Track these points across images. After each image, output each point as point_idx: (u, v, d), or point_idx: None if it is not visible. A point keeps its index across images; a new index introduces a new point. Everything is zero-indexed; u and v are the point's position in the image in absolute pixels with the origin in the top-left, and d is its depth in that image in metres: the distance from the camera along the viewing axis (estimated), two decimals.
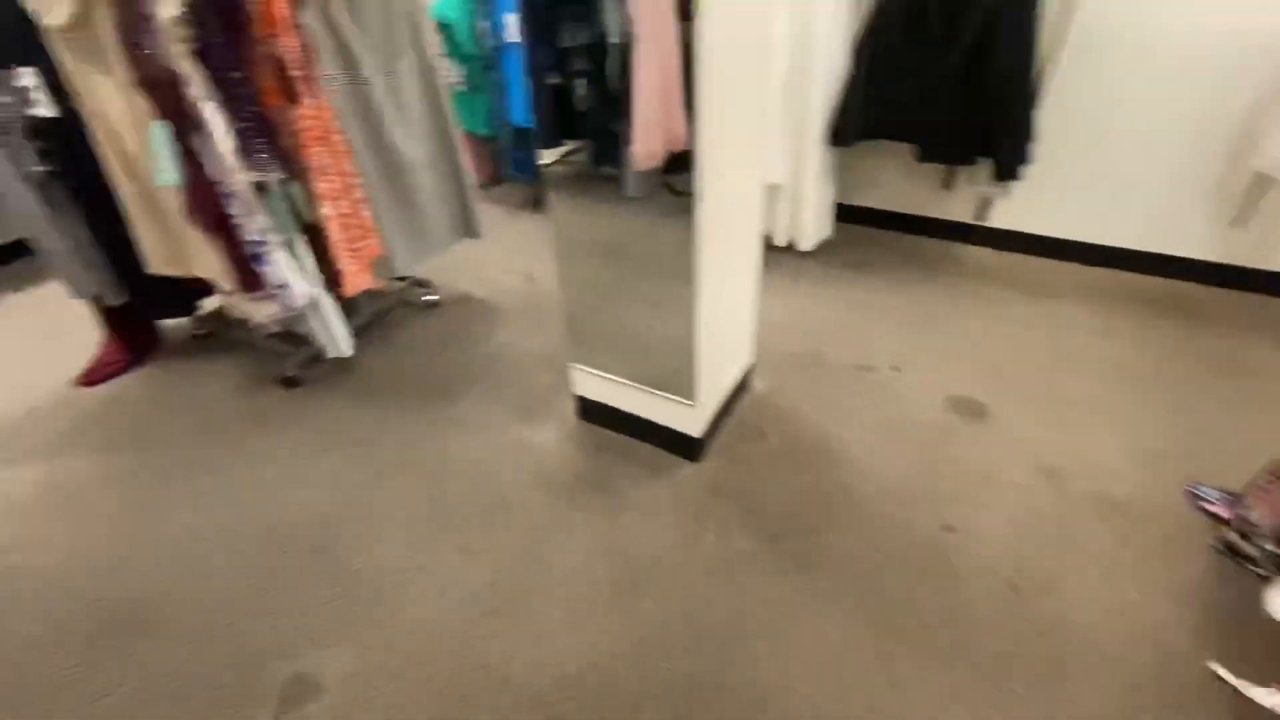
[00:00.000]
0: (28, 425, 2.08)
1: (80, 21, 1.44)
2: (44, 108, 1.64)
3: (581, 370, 1.83)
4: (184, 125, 1.55)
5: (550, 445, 1.86)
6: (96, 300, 2.17)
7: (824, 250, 2.76)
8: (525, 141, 3.34)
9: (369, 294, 2.19)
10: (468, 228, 2.48)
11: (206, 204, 1.63)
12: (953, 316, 2.34)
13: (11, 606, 1.49)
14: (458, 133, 2.30)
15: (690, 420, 1.68)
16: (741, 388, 1.97)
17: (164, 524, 1.68)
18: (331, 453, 1.88)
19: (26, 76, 1.59)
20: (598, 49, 1.29)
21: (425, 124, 2.21)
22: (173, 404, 2.14)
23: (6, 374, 2.35)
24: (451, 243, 2.47)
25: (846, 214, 2.94)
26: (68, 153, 1.75)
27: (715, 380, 1.73)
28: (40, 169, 1.79)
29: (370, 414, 2.03)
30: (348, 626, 1.39)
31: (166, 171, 1.54)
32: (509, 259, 2.93)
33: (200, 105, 1.52)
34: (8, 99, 1.67)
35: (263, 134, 1.65)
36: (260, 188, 1.71)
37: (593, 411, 1.89)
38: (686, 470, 1.73)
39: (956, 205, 2.75)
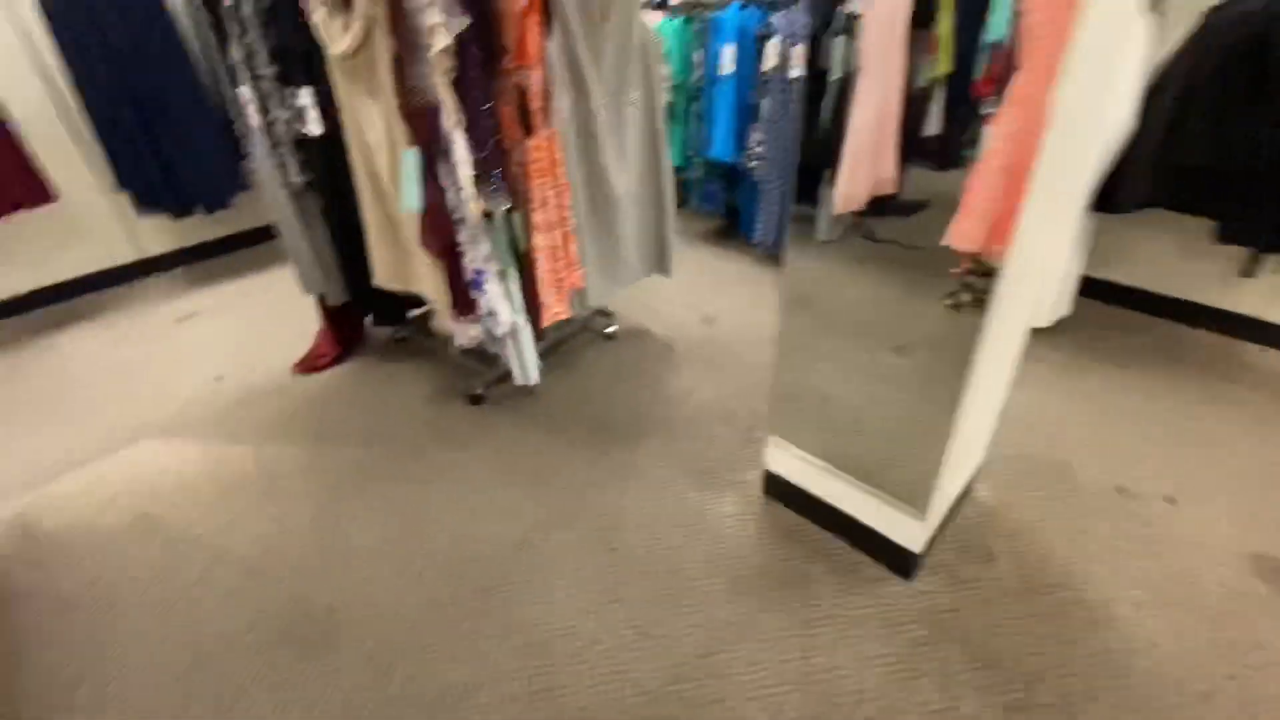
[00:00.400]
0: (246, 405, 2.28)
1: (360, 49, 1.50)
2: (313, 125, 1.75)
3: (780, 445, 1.64)
4: (433, 154, 1.58)
5: (731, 520, 1.68)
6: (321, 298, 2.34)
7: (1063, 330, 2.34)
8: (718, 175, 3.23)
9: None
10: (660, 264, 2.40)
11: (440, 230, 1.66)
12: (1244, 441, 1.86)
13: (211, 595, 1.58)
14: (669, 167, 2.22)
15: (911, 533, 1.43)
16: (965, 493, 1.67)
17: (353, 532, 1.72)
18: (508, 483, 1.85)
19: (305, 96, 1.71)
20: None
21: (640, 157, 2.15)
22: (370, 404, 2.24)
23: (238, 350, 2.63)
24: (642, 277, 2.40)
25: (1091, 288, 2.49)
26: (325, 166, 1.87)
27: (947, 488, 1.46)
28: (299, 179, 1.94)
29: (548, 445, 1.99)
30: (519, 684, 1.31)
31: (411, 197, 1.58)
32: (687, 295, 2.82)
33: (451, 135, 1.54)
34: (285, 114, 1.82)
35: (498, 165, 1.64)
36: (487, 217, 1.71)
37: (783, 491, 1.69)
38: (896, 587, 1.48)
39: (1254, 297, 2.21)
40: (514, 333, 1.98)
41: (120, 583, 1.62)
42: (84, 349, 2.73)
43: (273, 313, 2.88)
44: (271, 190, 2.05)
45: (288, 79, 1.75)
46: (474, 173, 1.62)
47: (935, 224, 1.19)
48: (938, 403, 1.26)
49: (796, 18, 2.56)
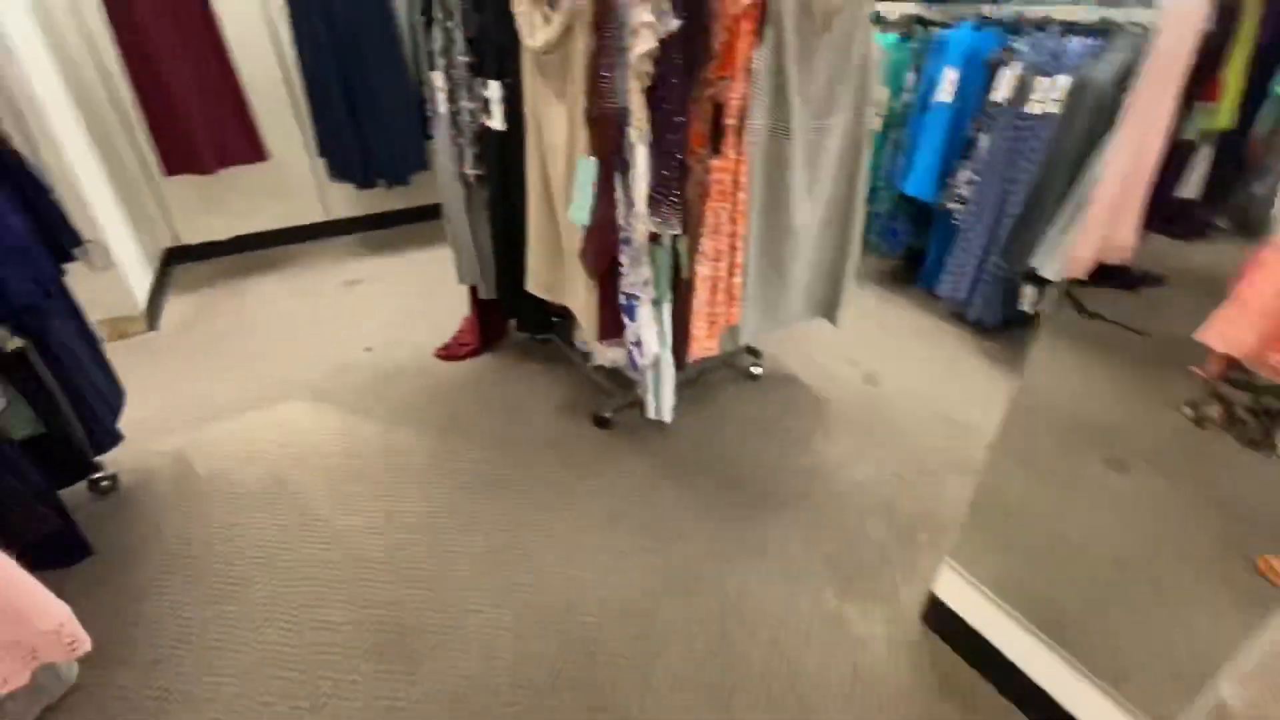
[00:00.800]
0: (387, 381, 2.31)
1: (557, 45, 1.38)
2: (497, 120, 1.68)
3: (957, 572, 1.32)
4: (611, 166, 1.43)
5: (876, 646, 1.39)
6: (473, 288, 2.32)
7: None
8: (907, 212, 2.85)
9: None
10: (829, 309, 2.11)
11: (603, 248, 1.52)
12: None
13: (317, 584, 1.55)
14: (862, 205, 1.92)
15: None
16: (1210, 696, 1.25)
17: (459, 546, 1.64)
18: (623, 529, 1.68)
19: (494, 89, 1.64)
20: None
21: (831, 189, 1.88)
22: (499, 405, 2.18)
23: (390, 323, 2.70)
24: (804, 319, 2.13)
25: None
26: (499, 163, 1.80)
27: (1199, 702, 1.07)
28: (473, 171, 1.89)
29: (671, 494, 1.79)
30: None
31: (582, 209, 1.44)
32: (847, 344, 2.49)
33: (634, 148, 1.38)
34: (472, 105, 1.77)
35: (679, 186, 1.46)
36: (654, 240, 1.54)
37: (949, 627, 1.36)
38: None
39: None
40: (655, 364, 1.80)
41: (245, 546, 1.65)
42: (263, 298, 2.95)
43: (428, 291, 2.95)
44: (445, 177, 2.03)
45: (480, 69, 1.68)
46: (650, 191, 1.45)
47: (1170, 306, 1.02)
48: (1181, 556, 0.90)
49: (1049, 44, 2.14)
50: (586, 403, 2.16)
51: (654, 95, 1.36)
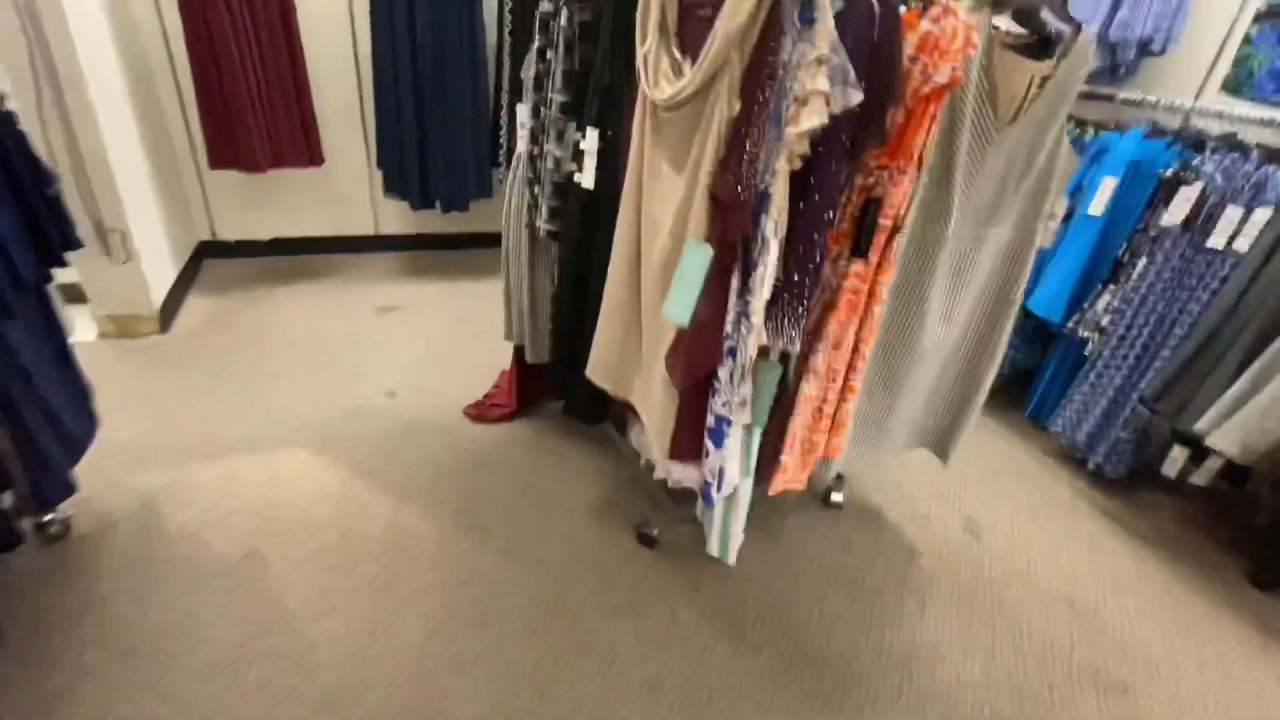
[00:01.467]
0: (405, 438, 2.00)
1: (687, 103, 1.07)
2: (587, 176, 1.38)
3: None
4: (730, 259, 1.11)
5: None
6: (519, 348, 2.01)
7: None
8: (1026, 329, 2.47)
9: None
10: (941, 445, 1.75)
11: (702, 358, 1.18)
12: None
13: (272, 708, 1.21)
14: (1007, 336, 1.57)
15: None
16: None
17: (455, 692, 1.29)
18: (664, 702, 1.31)
19: (590, 139, 1.34)
20: None
21: (975, 310, 1.54)
22: (526, 491, 1.84)
23: (419, 363, 2.40)
24: (908, 450, 1.77)
25: None
26: (580, 224, 1.50)
27: None
28: (544, 225, 1.59)
29: (725, 655, 1.42)
30: None
31: (683, 306, 1.12)
32: (939, 475, 2.10)
33: (767, 243, 1.05)
34: (559, 152, 1.47)
35: (810, 294, 1.13)
36: (763, 355, 1.20)
37: None
38: None
39: None
40: (730, 495, 1.45)
41: (194, 644, 1.32)
42: (288, 312, 2.69)
43: (467, 329, 2.66)
44: (512, 223, 1.74)
45: (577, 112, 1.39)
46: (774, 297, 1.13)
47: None
48: None
49: (1244, 167, 1.78)
50: (630, 507, 1.81)
51: (802, 181, 1.05)
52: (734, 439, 1.27)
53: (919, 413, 1.69)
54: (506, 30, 2.64)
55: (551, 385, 1.90)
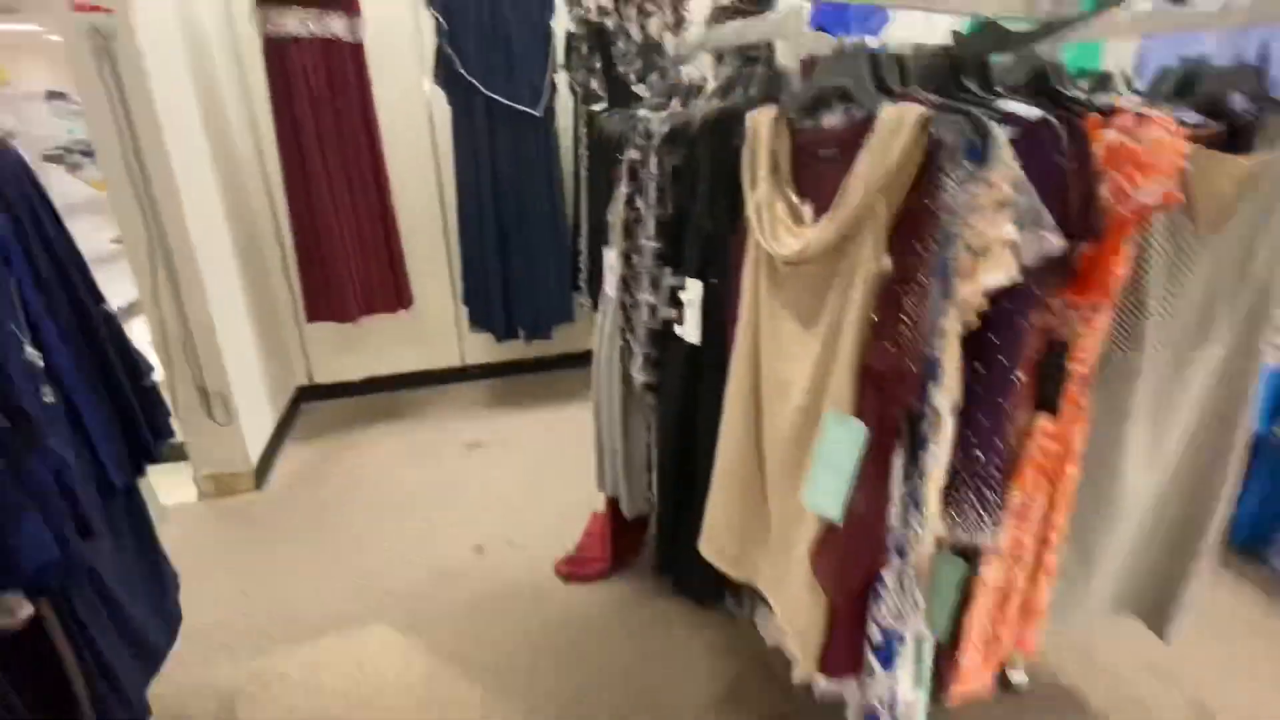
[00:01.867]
0: (493, 606, 1.81)
1: (817, 259, 0.90)
2: (690, 330, 1.22)
3: None
4: (890, 440, 0.88)
5: None
6: (613, 501, 1.82)
7: None
8: None
9: None
10: (1155, 614, 1.36)
11: (861, 559, 0.94)
12: None
13: None
14: (1235, 475, 1.22)
15: None
16: None
17: None
18: None
19: (692, 290, 1.19)
20: None
21: (1185, 449, 1.22)
22: (633, 684, 1.57)
23: (508, 510, 2.25)
24: (1109, 615, 1.39)
25: None
26: (683, 379, 1.32)
27: None
28: (641, 376, 1.43)
29: None
30: None
31: (830, 495, 0.89)
32: (1144, 638, 1.65)
33: (938, 418, 0.82)
34: (653, 300, 1.33)
35: (1000, 470, 0.88)
36: (938, 549, 0.94)
37: None
38: None
39: None
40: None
41: None
42: (379, 458, 2.64)
43: (553, 467, 2.51)
44: (603, 371, 1.60)
45: (674, 262, 1.26)
46: (954, 480, 0.88)
47: None
48: None
49: None
50: (756, 698, 1.50)
51: (980, 342, 0.82)
52: (907, 658, 0.98)
53: (1126, 574, 1.33)
54: (583, 160, 2.67)
55: (659, 560, 1.67)
